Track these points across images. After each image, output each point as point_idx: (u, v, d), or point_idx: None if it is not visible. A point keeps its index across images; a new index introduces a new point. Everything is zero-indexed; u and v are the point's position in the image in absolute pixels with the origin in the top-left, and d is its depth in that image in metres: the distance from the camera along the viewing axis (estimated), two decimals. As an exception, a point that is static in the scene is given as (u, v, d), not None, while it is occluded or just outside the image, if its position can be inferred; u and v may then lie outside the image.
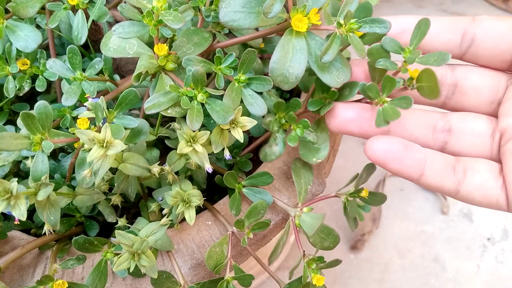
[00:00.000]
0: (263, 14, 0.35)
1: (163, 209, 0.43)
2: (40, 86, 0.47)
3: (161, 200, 0.41)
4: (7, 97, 0.50)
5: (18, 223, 0.37)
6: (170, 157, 0.40)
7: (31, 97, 0.54)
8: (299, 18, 0.37)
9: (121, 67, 0.58)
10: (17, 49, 0.46)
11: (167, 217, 0.39)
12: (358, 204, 0.44)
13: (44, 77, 0.47)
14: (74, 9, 0.47)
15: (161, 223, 0.38)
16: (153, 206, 0.42)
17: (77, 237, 0.38)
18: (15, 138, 0.34)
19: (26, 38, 0.44)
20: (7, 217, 0.46)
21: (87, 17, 0.46)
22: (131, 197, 0.41)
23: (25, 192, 0.34)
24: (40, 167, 0.35)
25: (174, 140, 0.46)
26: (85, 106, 0.39)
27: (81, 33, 0.45)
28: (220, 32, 0.45)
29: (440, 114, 0.41)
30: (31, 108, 0.51)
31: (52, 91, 0.54)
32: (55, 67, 0.42)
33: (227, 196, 0.46)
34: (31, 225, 0.47)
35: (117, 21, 0.58)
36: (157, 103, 0.36)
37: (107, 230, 0.47)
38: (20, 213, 0.32)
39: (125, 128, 0.35)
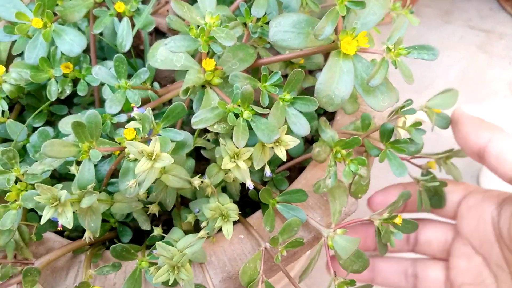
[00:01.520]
0: (314, 35, 0.35)
1: (197, 220, 0.43)
2: (82, 90, 0.47)
3: (198, 212, 0.42)
4: (46, 99, 0.51)
5: (62, 229, 0.37)
6: (209, 170, 0.41)
7: (65, 99, 0.55)
8: (348, 40, 0.37)
9: (157, 74, 0.59)
10: (61, 53, 0.47)
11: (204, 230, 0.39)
12: (391, 230, 0.44)
13: (86, 82, 0.48)
14: (119, 16, 0.47)
15: (198, 235, 0.38)
16: (189, 217, 0.42)
17: (115, 245, 0.39)
18: (64, 145, 0.34)
19: (72, 43, 0.45)
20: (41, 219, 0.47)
21: (132, 25, 0.47)
22: (168, 207, 0.41)
23: (70, 200, 0.34)
24: (87, 175, 0.35)
25: (210, 151, 0.46)
26: (126, 114, 0.40)
27: (125, 40, 0.46)
28: (262, 47, 0.46)
29: (410, 262, 0.53)
30: (69, 110, 0.52)
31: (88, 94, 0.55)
32: (101, 74, 0.42)
33: (260, 210, 0.46)
34: (65, 228, 0.48)
35: (157, 29, 0.59)
36: (204, 118, 0.36)
37: (138, 237, 0.48)
38: (66, 220, 0.32)
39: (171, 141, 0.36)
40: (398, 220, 0.42)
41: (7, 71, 0.47)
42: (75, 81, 0.49)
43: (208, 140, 0.47)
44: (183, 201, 0.48)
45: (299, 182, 0.47)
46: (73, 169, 0.38)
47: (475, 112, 0.48)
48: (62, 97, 0.47)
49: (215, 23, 0.36)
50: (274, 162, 0.48)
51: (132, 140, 0.36)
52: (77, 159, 0.36)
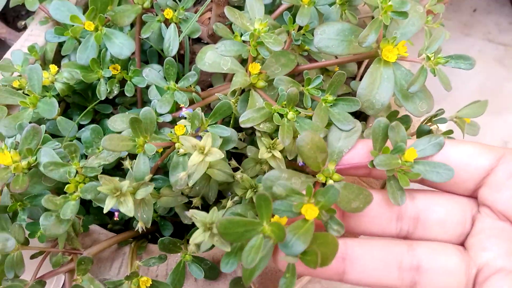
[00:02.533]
0: (358, 43, 0.37)
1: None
2: (129, 91, 0.50)
3: (230, 194, 0.44)
4: (91, 98, 0.54)
5: (118, 219, 0.39)
6: (246, 164, 0.43)
7: (107, 99, 0.58)
8: (389, 49, 0.39)
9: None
10: (110, 55, 0.49)
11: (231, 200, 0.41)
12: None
13: (132, 83, 0.50)
14: (166, 22, 0.50)
15: (227, 206, 0.40)
16: (224, 201, 0.44)
17: (163, 238, 0.41)
18: (122, 140, 0.37)
19: (121, 46, 0.48)
20: (88, 211, 0.49)
21: (179, 31, 0.49)
22: (210, 200, 0.43)
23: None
24: (142, 168, 0.37)
25: (243, 149, 0.48)
26: (171, 114, 0.42)
27: (172, 45, 0.49)
28: (300, 54, 0.48)
29: (406, 247, 0.35)
30: (114, 109, 0.55)
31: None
32: (151, 75, 0.45)
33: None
34: (108, 221, 0.50)
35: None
36: (251, 118, 0.38)
37: (176, 232, 0.50)
38: (127, 209, 0.35)
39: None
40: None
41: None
42: (121, 82, 0.51)
43: (240, 139, 0.50)
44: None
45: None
46: (126, 163, 0.40)
47: (492, 125, 0.48)
48: (110, 97, 0.50)
49: (263, 29, 0.38)
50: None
51: (181, 135, 0.38)
52: (132, 153, 0.38)
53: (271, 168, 0.43)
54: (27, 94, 0.45)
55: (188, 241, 0.46)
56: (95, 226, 0.48)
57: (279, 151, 0.39)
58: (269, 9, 0.55)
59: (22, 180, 0.38)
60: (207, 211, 0.49)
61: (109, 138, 0.36)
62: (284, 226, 0.27)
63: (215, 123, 0.40)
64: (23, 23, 0.97)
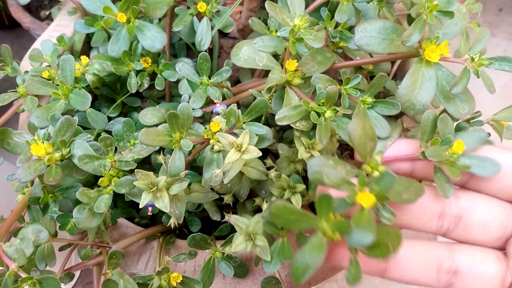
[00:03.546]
0: (402, 42, 0.36)
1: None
2: (159, 85, 0.49)
3: (264, 194, 0.43)
4: (120, 90, 0.54)
5: (151, 214, 0.39)
6: (280, 163, 0.42)
7: (135, 92, 0.57)
8: (432, 48, 0.38)
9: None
10: (141, 47, 0.49)
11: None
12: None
13: (163, 76, 0.50)
14: (198, 16, 0.49)
15: (264, 208, 0.39)
16: (257, 200, 0.43)
17: (194, 234, 0.40)
18: (158, 135, 0.36)
19: (153, 38, 0.47)
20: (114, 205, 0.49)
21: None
22: (241, 198, 0.43)
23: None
24: (178, 164, 0.37)
25: (273, 146, 0.48)
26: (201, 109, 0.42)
27: (204, 39, 0.48)
28: (334, 51, 0.47)
29: (447, 251, 0.35)
30: (142, 102, 0.54)
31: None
32: (184, 70, 0.44)
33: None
34: (135, 215, 0.50)
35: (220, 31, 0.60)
36: (288, 115, 0.37)
37: (204, 227, 0.49)
38: (163, 205, 0.34)
39: (254, 135, 0.37)
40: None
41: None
42: (151, 76, 0.51)
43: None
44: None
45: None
46: (159, 158, 0.39)
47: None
48: (141, 90, 0.49)
49: (303, 25, 0.38)
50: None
51: (217, 132, 0.38)
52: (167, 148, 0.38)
53: (305, 167, 0.42)
54: (57, 85, 0.44)
55: (216, 237, 0.46)
56: (123, 219, 0.48)
57: (318, 151, 0.38)
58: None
59: (56, 172, 0.37)
60: (236, 208, 0.49)
61: (146, 132, 0.35)
62: (347, 221, 0.26)
63: (251, 120, 0.39)
64: (47, 12, 0.97)
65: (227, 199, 0.43)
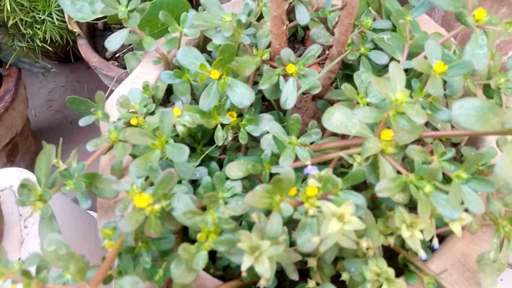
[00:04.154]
0: (502, 124, 0.37)
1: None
2: (243, 139, 0.51)
3: (353, 271, 0.43)
4: (200, 140, 0.56)
5: (244, 275, 0.40)
6: (370, 232, 0.43)
7: (211, 142, 0.59)
8: (530, 129, 0.38)
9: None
10: (230, 103, 0.51)
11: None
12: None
13: (246, 131, 0.52)
14: (285, 76, 0.52)
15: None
16: (344, 276, 0.43)
17: (281, 295, 0.41)
18: (262, 197, 0.37)
19: (242, 95, 0.49)
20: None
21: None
22: (325, 263, 0.43)
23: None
24: (275, 227, 0.38)
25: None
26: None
27: (290, 98, 0.50)
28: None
29: None
30: (223, 153, 0.56)
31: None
32: (274, 129, 0.46)
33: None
34: (209, 265, 0.50)
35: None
36: (387, 187, 0.38)
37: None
38: (264, 269, 0.35)
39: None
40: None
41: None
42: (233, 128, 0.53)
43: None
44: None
45: (444, 253, 0.47)
46: (253, 217, 0.40)
47: None
48: (225, 143, 0.51)
49: (405, 100, 0.39)
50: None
51: (312, 197, 0.39)
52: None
53: (397, 241, 0.43)
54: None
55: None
56: (201, 271, 0.48)
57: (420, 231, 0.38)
58: (379, 69, 0.56)
59: (156, 224, 0.39)
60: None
61: (252, 195, 0.36)
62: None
63: (346, 188, 0.40)
64: (116, 55, 1.02)
65: (311, 262, 0.43)
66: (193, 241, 0.40)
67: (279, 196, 0.38)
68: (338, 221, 0.36)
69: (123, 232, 0.38)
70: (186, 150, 0.45)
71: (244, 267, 0.35)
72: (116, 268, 0.43)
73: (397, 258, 0.47)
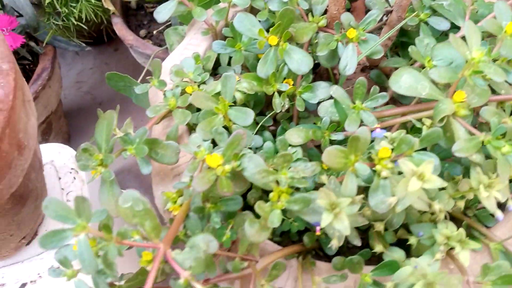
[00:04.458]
0: None
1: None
2: (300, 106, 0.51)
3: (421, 235, 0.43)
4: (253, 108, 0.55)
5: (319, 234, 0.39)
6: (440, 195, 0.42)
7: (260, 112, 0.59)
8: None
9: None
10: (288, 70, 0.50)
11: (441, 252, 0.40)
12: None
13: (302, 98, 0.51)
14: (342, 41, 0.51)
15: (435, 257, 0.39)
16: (412, 240, 0.43)
17: (352, 257, 0.40)
18: (337, 157, 0.37)
19: (300, 62, 0.49)
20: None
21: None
22: (392, 227, 0.43)
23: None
24: (350, 186, 0.37)
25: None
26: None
27: (349, 64, 0.49)
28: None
29: None
30: (275, 122, 0.55)
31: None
32: (337, 93, 0.45)
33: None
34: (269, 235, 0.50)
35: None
36: (464, 147, 0.38)
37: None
38: (343, 226, 0.35)
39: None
40: None
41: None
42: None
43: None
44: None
45: (509, 219, 0.47)
46: (323, 178, 0.40)
47: None
48: (283, 110, 0.50)
49: (482, 58, 0.38)
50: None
51: (385, 159, 0.38)
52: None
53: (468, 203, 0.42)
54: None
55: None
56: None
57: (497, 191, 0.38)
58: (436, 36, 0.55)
59: (227, 184, 0.39)
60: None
61: (328, 153, 0.36)
62: None
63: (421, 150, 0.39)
64: (154, 31, 1.02)
65: (378, 226, 0.43)
66: (251, 208, 0.40)
67: (353, 156, 0.38)
68: (418, 179, 0.35)
69: (196, 191, 0.38)
70: (251, 113, 0.44)
71: (324, 224, 0.35)
72: (182, 229, 0.43)
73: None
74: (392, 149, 0.38)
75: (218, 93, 0.49)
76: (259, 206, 0.37)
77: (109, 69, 1.26)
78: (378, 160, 0.39)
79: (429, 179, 0.35)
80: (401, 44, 0.57)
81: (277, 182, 0.39)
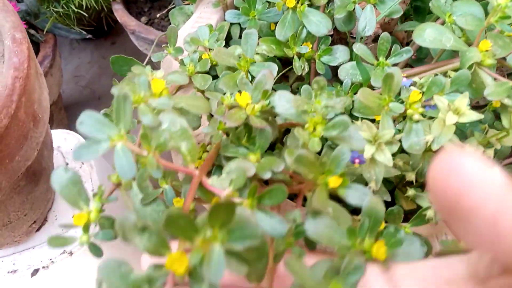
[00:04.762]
0: None
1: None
2: (320, 69, 0.51)
3: None
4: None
5: (357, 166, 0.38)
6: (470, 141, 0.42)
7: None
8: None
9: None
10: (306, 32, 0.51)
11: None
12: None
13: (321, 62, 0.51)
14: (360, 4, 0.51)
15: None
16: None
17: (392, 208, 0.40)
18: (372, 95, 0.37)
19: (319, 24, 0.49)
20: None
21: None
22: (421, 177, 0.43)
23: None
24: (387, 126, 0.37)
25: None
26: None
27: (368, 25, 0.49)
28: None
29: None
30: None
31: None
32: (360, 50, 0.45)
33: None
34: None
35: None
36: (496, 91, 0.38)
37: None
38: (385, 159, 0.35)
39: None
40: None
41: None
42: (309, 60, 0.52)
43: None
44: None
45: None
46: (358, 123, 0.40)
47: None
48: (303, 73, 0.50)
49: (508, 4, 0.39)
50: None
51: (416, 102, 0.39)
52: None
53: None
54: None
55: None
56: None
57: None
58: None
59: (260, 121, 0.38)
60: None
61: (363, 91, 0.36)
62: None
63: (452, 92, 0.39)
64: (157, 15, 1.01)
65: (410, 176, 0.43)
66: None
67: (387, 96, 0.38)
68: (454, 114, 0.36)
69: (228, 126, 0.37)
70: (275, 67, 0.44)
71: (367, 154, 0.35)
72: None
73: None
74: (422, 93, 0.39)
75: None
76: (298, 132, 0.35)
77: (107, 63, 1.26)
78: (409, 105, 0.39)
79: (464, 112, 0.36)
80: (414, 9, 0.58)
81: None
